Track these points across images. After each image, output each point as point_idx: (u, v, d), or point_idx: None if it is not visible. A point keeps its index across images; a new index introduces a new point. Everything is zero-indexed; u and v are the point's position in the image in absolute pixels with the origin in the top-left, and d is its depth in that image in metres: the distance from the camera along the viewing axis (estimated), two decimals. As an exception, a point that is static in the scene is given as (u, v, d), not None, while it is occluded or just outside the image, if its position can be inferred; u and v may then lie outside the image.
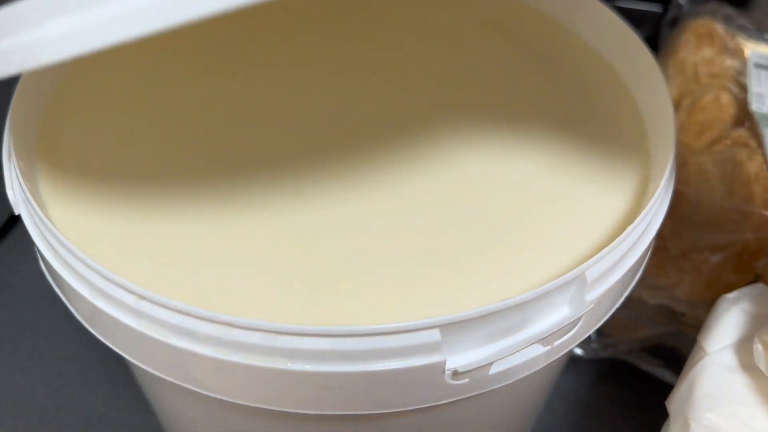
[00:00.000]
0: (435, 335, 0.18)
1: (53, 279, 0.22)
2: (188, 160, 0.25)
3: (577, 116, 0.27)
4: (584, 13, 0.30)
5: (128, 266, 0.21)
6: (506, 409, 0.26)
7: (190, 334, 0.18)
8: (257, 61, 0.29)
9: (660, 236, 0.35)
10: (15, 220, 0.45)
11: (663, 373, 0.37)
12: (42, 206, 0.22)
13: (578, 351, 0.37)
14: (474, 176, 0.24)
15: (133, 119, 0.26)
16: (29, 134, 0.25)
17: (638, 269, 0.23)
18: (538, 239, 0.23)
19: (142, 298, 0.19)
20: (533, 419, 0.32)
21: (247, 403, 0.20)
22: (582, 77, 0.29)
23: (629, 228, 0.21)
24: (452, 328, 0.18)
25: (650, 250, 0.24)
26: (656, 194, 0.22)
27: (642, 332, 0.35)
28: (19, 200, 0.22)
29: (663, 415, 0.27)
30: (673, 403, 0.26)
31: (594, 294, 0.20)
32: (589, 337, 0.36)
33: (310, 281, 0.21)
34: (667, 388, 0.29)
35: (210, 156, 0.25)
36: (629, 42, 0.28)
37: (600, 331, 0.37)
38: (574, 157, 0.25)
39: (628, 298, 0.34)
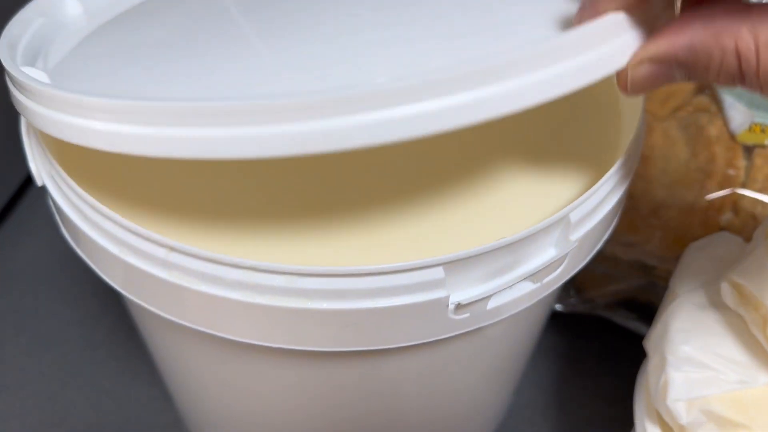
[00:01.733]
0: (440, 273, 0.20)
1: (79, 244, 0.24)
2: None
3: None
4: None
5: (152, 217, 0.23)
6: (501, 350, 0.28)
7: (218, 281, 0.20)
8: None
9: (631, 196, 0.37)
10: (7, 211, 0.46)
11: (637, 326, 0.39)
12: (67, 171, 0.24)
13: (558, 307, 0.39)
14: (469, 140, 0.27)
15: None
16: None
17: (616, 212, 0.26)
18: (527, 187, 0.25)
19: (173, 249, 0.20)
20: (522, 368, 0.34)
21: (270, 344, 0.22)
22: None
23: (607, 174, 0.23)
24: (455, 266, 0.21)
25: (626, 195, 0.26)
26: (630, 141, 0.24)
27: (617, 286, 0.38)
28: (42, 171, 0.24)
29: (637, 365, 0.30)
30: (650, 342, 0.29)
31: (577, 234, 0.23)
32: (568, 293, 0.39)
33: (322, 223, 0.23)
34: (640, 339, 0.31)
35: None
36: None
37: (578, 287, 0.39)
38: (554, 120, 0.28)
39: (604, 255, 0.37)
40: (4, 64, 0.22)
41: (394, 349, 0.22)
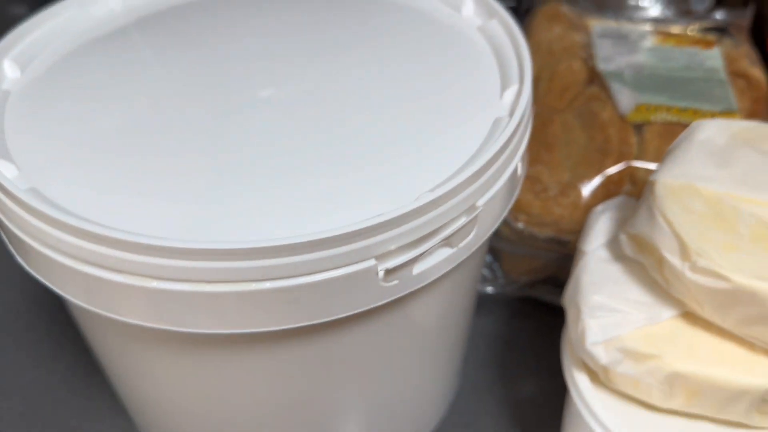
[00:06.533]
0: (370, 241, 0.23)
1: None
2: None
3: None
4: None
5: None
6: (434, 323, 0.31)
7: (151, 268, 0.23)
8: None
9: (541, 181, 0.41)
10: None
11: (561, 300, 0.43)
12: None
13: (489, 290, 0.42)
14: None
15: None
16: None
17: (518, 177, 0.29)
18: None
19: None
20: (460, 348, 0.37)
21: (198, 330, 0.24)
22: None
23: (504, 143, 0.26)
24: (381, 230, 0.23)
25: (525, 161, 0.29)
26: (518, 114, 0.27)
27: (537, 263, 0.41)
28: None
29: None
30: (566, 299, 0.32)
31: (483, 200, 0.26)
32: (495, 276, 0.42)
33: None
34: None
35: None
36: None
37: (504, 269, 0.43)
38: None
39: (523, 236, 0.40)
40: None
41: (334, 323, 0.25)
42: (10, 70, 0.31)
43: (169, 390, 0.30)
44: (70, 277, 0.25)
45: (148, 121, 0.29)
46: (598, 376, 0.30)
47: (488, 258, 0.43)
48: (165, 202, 0.25)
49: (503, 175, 0.27)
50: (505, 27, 0.32)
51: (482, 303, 0.44)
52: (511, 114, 0.28)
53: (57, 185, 0.26)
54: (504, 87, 0.30)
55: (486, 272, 0.43)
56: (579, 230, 0.40)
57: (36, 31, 0.33)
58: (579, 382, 0.31)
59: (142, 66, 0.32)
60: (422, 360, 0.33)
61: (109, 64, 0.32)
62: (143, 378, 0.30)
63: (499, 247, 0.42)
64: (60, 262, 0.24)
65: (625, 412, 0.30)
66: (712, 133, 0.32)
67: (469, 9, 0.34)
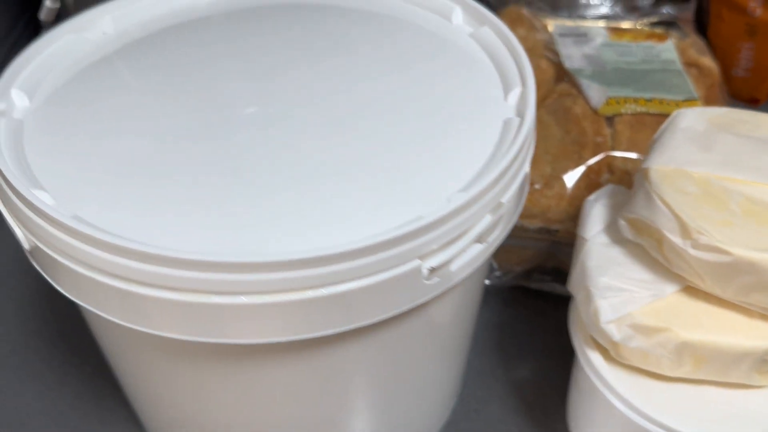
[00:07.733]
0: (415, 243, 0.25)
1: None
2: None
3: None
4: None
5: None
6: (461, 314, 0.33)
7: (191, 282, 0.24)
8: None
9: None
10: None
11: (551, 286, 0.45)
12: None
13: (486, 282, 0.44)
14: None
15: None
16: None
17: (527, 175, 0.31)
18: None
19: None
20: (472, 337, 0.39)
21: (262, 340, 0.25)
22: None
23: (515, 149, 0.28)
24: (424, 232, 0.25)
25: (529, 166, 0.32)
26: (530, 114, 0.29)
27: (529, 253, 0.44)
28: None
29: (559, 319, 0.35)
30: (572, 283, 0.34)
31: (506, 197, 0.28)
32: (492, 268, 0.44)
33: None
34: (556, 299, 0.35)
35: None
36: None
37: (498, 262, 0.45)
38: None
39: (514, 228, 0.43)
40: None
41: (379, 324, 0.26)
42: (18, 99, 0.32)
43: (202, 402, 0.31)
44: (120, 300, 0.25)
45: (159, 143, 0.30)
46: (608, 352, 0.33)
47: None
48: (204, 219, 0.26)
49: (520, 172, 0.29)
50: (498, 33, 0.34)
51: (478, 295, 0.46)
52: (520, 115, 0.30)
53: (92, 210, 0.26)
54: (506, 90, 0.32)
55: (480, 266, 0.45)
56: (565, 219, 0.43)
57: (37, 58, 0.33)
58: (593, 359, 0.33)
59: (141, 89, 0.33)
60: (445, 351, 0.35)
61: (110, 88, 0.33)
62: (175, 393, 0.31)
63: (490, 240, 0.44)
64: (115, 286, 0.25)
65: (638, 383, 0.32)
66: (691, 121, 0.35)
67: (458, 17, 0.36)
